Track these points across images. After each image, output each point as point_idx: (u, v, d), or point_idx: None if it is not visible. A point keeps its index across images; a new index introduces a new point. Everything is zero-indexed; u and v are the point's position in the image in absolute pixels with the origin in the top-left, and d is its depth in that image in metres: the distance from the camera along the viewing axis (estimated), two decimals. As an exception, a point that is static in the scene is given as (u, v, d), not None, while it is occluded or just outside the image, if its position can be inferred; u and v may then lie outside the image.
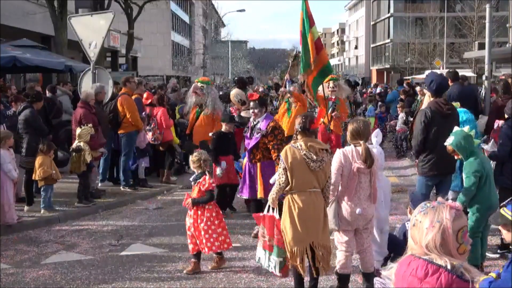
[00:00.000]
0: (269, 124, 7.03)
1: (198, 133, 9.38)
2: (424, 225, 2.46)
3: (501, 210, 3.37)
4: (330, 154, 5.22)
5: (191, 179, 6.28)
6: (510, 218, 3.17)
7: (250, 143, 7.19)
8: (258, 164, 7.20)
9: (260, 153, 7.14)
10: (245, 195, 7.54)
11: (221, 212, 6.25)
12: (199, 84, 9.33)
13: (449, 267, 2.39)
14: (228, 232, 6.18)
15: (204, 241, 5.93)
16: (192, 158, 6.17)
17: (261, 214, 5.44)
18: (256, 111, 7.13)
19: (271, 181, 6.62)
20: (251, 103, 7.24)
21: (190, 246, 6.12)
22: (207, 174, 6.10)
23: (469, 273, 2.42)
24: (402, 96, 15.26)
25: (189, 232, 6.12)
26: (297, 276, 5.10)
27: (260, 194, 7.22)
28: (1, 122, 8.60)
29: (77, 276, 6.11)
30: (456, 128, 5.91)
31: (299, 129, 5.10)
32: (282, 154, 5.04)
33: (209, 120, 9.42)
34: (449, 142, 5.71)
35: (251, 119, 7.35)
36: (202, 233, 5.94)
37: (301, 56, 9.73)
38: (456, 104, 7.10)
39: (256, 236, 6.68)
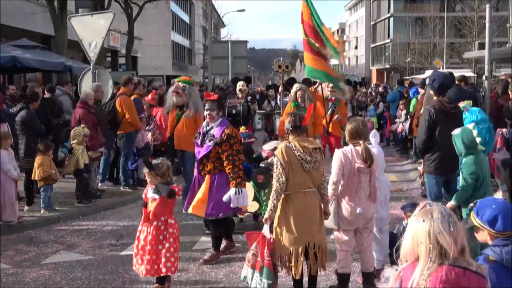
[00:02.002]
0: (224, 131, 6.12)
1: (179, 137, 8.54)
2: (415, 227, 2.45)
3: (471, 216, 3.42)
4: (322, 153, 5.20)
5: (152, 191, 5.37)
6: (476, 224, 3.32)
7: (200, 151, 6.28)
8: (208, 176, 6.28)
9: (211, 164, 6.22)
10: (187, 209, 6.56)
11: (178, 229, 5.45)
12: (180, 84, 8.39)
13: (448, 262, 2.39)
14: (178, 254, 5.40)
15: (163, 260, 5.16)
16: (157, 168, 5.29)
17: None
18: (213, 114, 6.24)
19: (224, 198, 6.09)
20: (207, 104, 6.30)
21: (142, 268, 5.23)
22: (174, 184, 5.42)
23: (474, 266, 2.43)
24: (406, 95, 15.32)
25: (141, 251, 5.28)
26: (294, 277, 5.09)
27: (193, 210, 6.33)
28: (5, 120, 8.61)
29: (77, 276, 6.11)
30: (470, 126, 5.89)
31: (291, 128, 5.06)
32: (278, 153, 5.00)
33: (190, 123, 8.39)
34: (454, 133, 5.70)
35: (204, 124, 6.46)
36: (163, 251, 5.19)
37: (328, 44, 9.22)
38: (469, 102, 7.10)
39: (207, 261, 6.40)
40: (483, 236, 3.36)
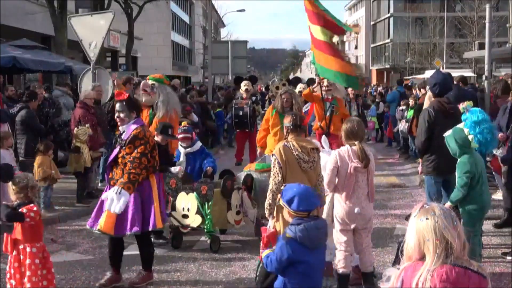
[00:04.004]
0: (132, 131, 5.40)
1: None
2: (420, 226, 2.46)
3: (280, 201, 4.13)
4: (319, 153, 5.20)
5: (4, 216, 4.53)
6: (281, 203, 4.09)
7: (110, 157, 5.59)
8: (119, 181, 5.42)
9: (120, 171, 5.43)
10: (92, 225, 5.55)
11: (48, 255, 4.79)
12: (149, 82, 7.79)
13: (451, 260, 2.40)
14: (53, 276, 4.81)
15: None
16: (14, 185, 4.62)
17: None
18: (122, 116, 5.47)
19: (103, 196, 5.36)
20: (117, 105, 5.57)
21: None
22: (35, 204, 4.68)
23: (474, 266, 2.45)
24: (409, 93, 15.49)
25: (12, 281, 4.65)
26: None
27: (102, 226, 5.38)
28: (5, 120, 8.62)
29: (77, 276, 6.11)
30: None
31: (291, 127, 5.08)
32: (275, 152, 5.02)
33: None
34: (446, 134, 5.71)
35: (120, 127, 5.64)
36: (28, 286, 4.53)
37: (336, 20, 8.53)
38: (469, 103, 7.13)
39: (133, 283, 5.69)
40: (285, 214, 4.04)
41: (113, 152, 5.54)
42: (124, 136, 5.44)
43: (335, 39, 8.65)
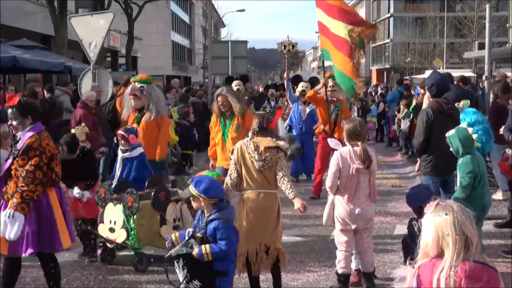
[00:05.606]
0: (26, 140, 4.74)
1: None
2: (438, 221, 2.45)
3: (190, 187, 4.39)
4: (280, 153, 5.01)
5: None
6: (194, 193, 4.32)
7: (3, 168, 4.94)
8: (11, 202, 4.71)
9: (14, 185, 4.73)
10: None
11: None
12: (137, 85, 7.35)
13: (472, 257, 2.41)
14: None
15: None
16: None
17: None
18: (14, 123, 4.82)
19: (12, 235, 4.60)
20: (8, 111, 4.89)
21: None
22: None
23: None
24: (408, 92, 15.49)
25: None
26: (251, 274, 5.16)
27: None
28: (5, 120, 8.61)
29: (77, 276, 6.11)
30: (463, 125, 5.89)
31: (257, 129, 5.10)
32: (234, 149, 5.11)
33: (152, 126, 7.37)
34: (449, 134, 5.70)
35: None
36: None
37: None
38: (466, 102, 7.09)
39: None
40: (198, 203, 4.39)
41: (7, 163, 4.87)
42: (18, 145, 4.79)
43: (356, 30, 7.70)
